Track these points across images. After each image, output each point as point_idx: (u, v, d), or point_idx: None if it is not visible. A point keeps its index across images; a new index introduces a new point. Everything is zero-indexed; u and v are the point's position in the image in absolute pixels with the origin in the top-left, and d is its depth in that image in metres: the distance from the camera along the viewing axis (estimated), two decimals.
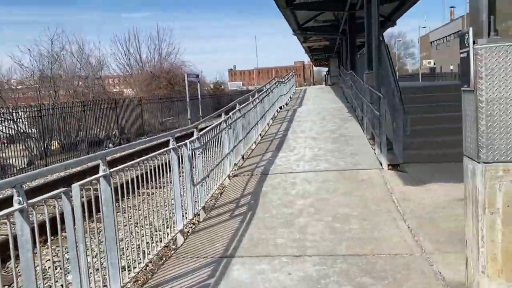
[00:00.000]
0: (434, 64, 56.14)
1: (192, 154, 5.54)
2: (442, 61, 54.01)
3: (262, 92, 12.33)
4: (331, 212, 5.34)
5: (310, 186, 6.57)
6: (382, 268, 3.74)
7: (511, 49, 2.83)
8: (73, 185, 2.95)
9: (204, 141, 6.18)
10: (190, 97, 30.46)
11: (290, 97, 21.25)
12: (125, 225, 3.90)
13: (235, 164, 8.32)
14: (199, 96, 31.60)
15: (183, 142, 5.29)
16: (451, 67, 44.54)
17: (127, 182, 3.85)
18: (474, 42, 2.90)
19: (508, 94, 2.85)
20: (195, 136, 5.81)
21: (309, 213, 5.38)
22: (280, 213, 5.45)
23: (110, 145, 18.54)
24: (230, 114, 8.01)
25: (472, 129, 2.99)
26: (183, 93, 31.38)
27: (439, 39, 62.08)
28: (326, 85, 38.80)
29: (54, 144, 17.40)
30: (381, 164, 7.52)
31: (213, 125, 6.92)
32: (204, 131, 6.33)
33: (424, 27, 62.86)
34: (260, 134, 11.41)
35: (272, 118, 13.97)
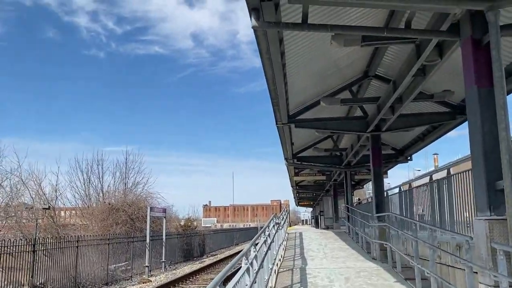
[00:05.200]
0: None
1: None
2: None
3: (259, 242, 6.93)
4: None
5: None
6: None
7: None
8: None
9: None
10: (153, 236, 24.49)
11: (284, 246, 15.67)
12: None
13: None
14: (164, 236, 25.48)
15: None
16: None
17: None
18: None
19: None
20: None
21: None
22: None
23: None
24: None
25: None
26: (146, 230, 25.34)
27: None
28: (318, 228, 33.40)
29: None
30: None
31: None
32: None
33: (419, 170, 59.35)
34: None
35: None
